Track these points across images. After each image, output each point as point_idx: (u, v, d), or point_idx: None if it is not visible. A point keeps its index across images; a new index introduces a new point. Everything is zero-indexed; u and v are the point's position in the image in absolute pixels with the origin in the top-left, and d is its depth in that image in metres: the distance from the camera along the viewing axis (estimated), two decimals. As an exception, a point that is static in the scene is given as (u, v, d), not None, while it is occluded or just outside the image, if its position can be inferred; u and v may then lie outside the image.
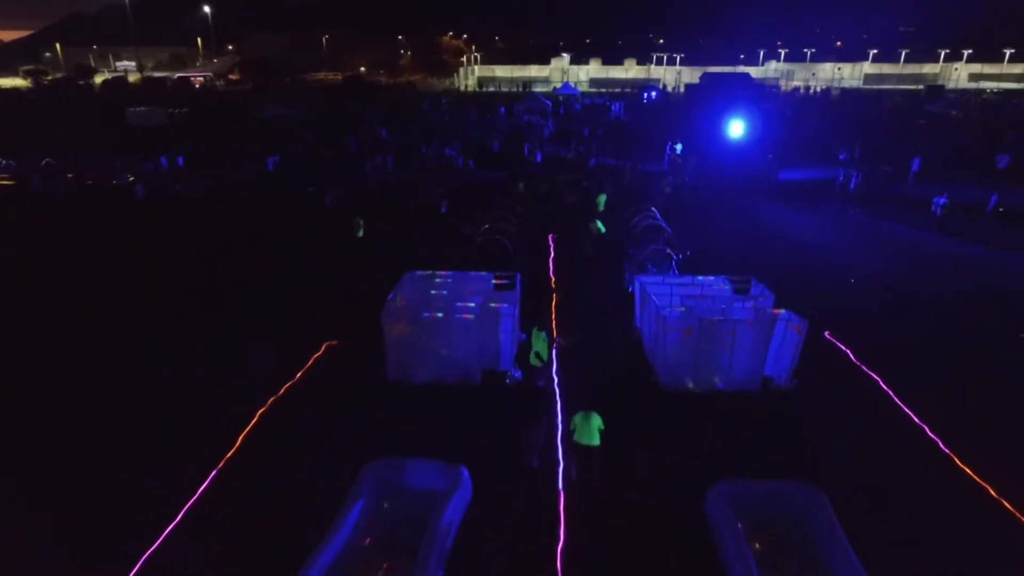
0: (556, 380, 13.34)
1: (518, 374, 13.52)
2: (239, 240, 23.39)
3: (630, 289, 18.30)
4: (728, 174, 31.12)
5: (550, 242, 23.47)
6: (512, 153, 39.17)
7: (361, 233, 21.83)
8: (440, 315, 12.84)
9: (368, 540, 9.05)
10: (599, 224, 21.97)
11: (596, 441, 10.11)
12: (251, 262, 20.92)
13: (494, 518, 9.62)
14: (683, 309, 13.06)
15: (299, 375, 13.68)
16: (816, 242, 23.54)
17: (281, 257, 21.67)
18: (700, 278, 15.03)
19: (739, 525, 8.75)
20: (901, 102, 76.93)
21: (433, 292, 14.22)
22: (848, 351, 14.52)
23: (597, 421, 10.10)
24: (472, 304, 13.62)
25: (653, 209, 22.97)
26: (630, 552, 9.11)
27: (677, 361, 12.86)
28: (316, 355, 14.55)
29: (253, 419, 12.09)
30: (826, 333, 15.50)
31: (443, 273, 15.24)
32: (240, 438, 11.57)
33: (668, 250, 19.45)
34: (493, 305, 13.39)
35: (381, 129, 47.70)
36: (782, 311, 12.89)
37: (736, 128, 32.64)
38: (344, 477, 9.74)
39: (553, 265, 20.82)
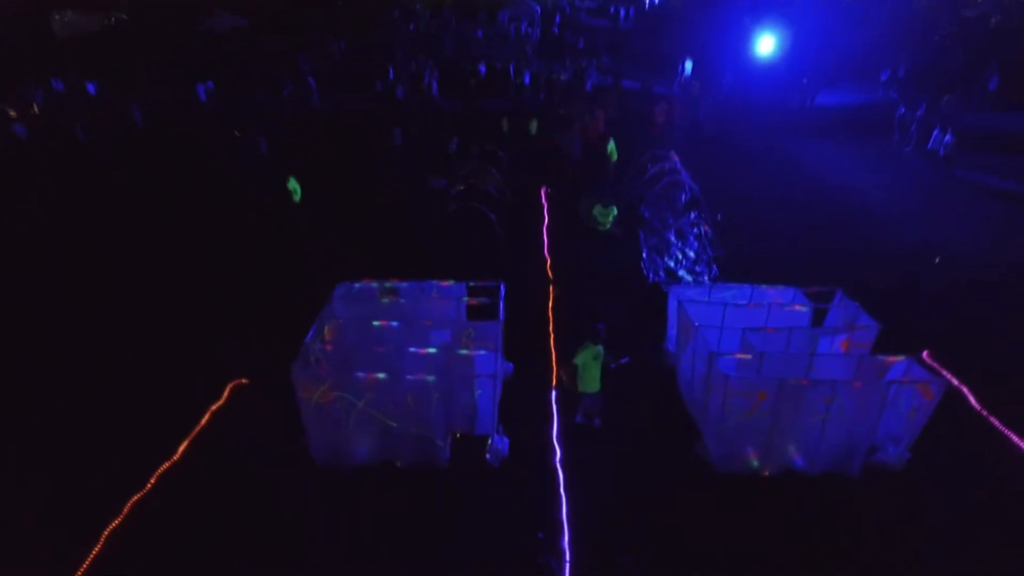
0: (558, 455, 9.12)
1: (503, 444, 9.24)
2: (127, 213, 18.18)
3: (651, 277, 13.84)
4: (754, 105, 25.82)
5: (543, 200, 18.67)
6: (496, 75, 33.06)
7: (298, 197, 16.75)
8: (382, 375, 8.35)
9: None
10: (605, 212, 16.32)
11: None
12: (136, 246, 15.97)
13: None
14: (749, 358, 8.65)
15: (179, 452, 9.30)
16: (879, 199, 18.78)
17: (181, 236, 16.63)
18: (761, 288, 10.50)
19: None
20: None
21: (377, 323, 9.63)
22: (965, 389, 10.32)
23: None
24: (433, 348, 9.13)
25: (675, 158, 18.04)
26: None
27: (738, 431, 8.62)
28: (213, 407, 10.14)
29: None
30: (925, 354, 11.25)
31: (393, 283, 10.59)
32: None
33: (700, 228, 14.81)
34: (465, 352, 8.90)
35: (335, 43, 40.06)
36: (900, 359, 8.53)
37: (766, 44, 26.91)
38: None
39: (548, 238, 16.12)
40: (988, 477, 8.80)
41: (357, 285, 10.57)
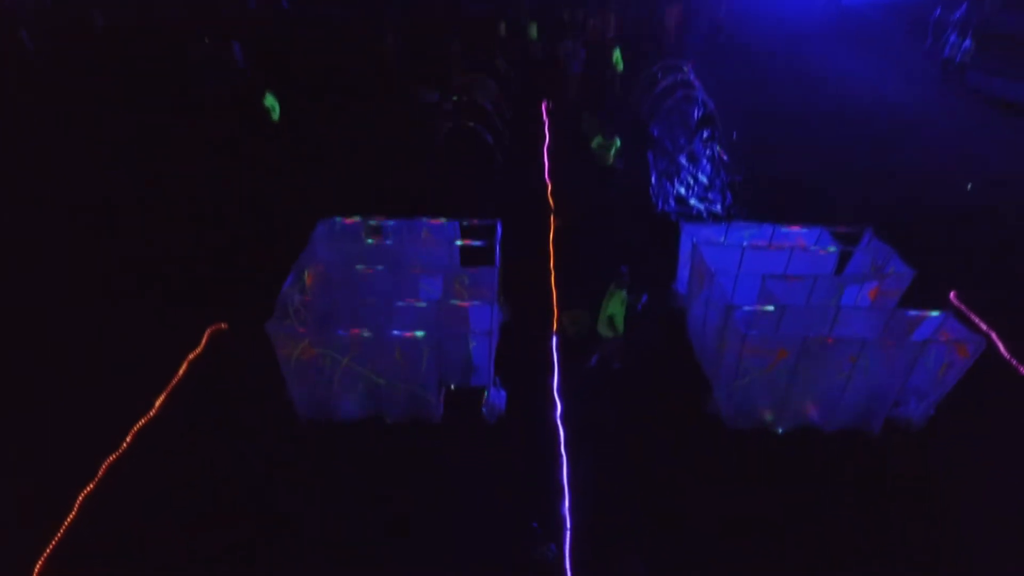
0: (559, 409, 8.56)
1: (500, 398, 8.66)
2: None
3: (660, 206, 12.85)
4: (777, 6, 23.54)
5: (544, 115, 17.27)
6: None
7: (276, 116, 15.31)
8: (367, 333, 7.59)
9: None
10: (607, 145, 13.87)
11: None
12: (91, 178, 14.72)
13: None
14: (770, 310, 7.86)
15: (156, 406, 8.72)
16: (910, 115, 17.30)
17: (145, 163, 15.08)
18: (783, 228, 9.54)
19: None
20: None
21: (360, 267, 8.76)
22: (994, 335, 9.64)
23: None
24: (422, 300, 8.33)
25: (688, 69, 16.46)
26: None
27: (753, 387, 8.00)
28: (191, 355, 9.49)
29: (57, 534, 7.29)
30: (952, 295, 10.51)
31: (379, 221, 9.63)
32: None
33: (714, 150, 13.62)
34: (457, 302, 8.10)
35: None
36: (936, 314, 7.76)
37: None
38: None
39: (549, 160, 14.92)
40: (1017, 433, 8.29)
41: (340, 221, 9.62)
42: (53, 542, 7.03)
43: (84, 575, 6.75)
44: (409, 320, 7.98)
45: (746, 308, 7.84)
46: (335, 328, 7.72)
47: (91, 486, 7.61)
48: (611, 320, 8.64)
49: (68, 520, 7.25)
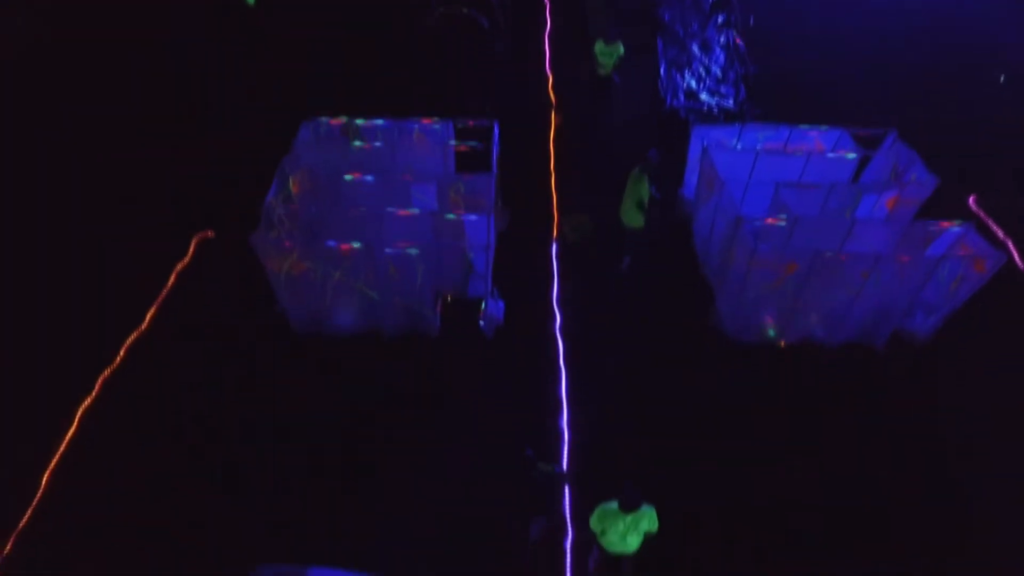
0: (558, 321, 8.39)
1: (498, 309, 8.47)
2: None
3: (668, 100, 12.03)
4: None
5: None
6: None
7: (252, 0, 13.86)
8: (357, 245, 7.23)
9: None
10: (608, 52, 11.51)
11: (634, 548, 5.70)
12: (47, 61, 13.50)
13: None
14: (783, 222, 7.44)
15: (147, 320, 8.52)
16: (947, 8, 15.74)
17: (110, 54, 13.53)
18: (801, 129, 8.89)
19: None
20: None
21: (349, 177, 8.21)
22: (1010, 243, 9.29)
23: (644, 523, 5.52)
24: (415, 207, 7.89)
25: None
26: None
27: (758, 301, 7.79)
28: (179, 266, 9.17)
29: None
30: (971, 199, 10.06)
31: (368, 122, 8.95)
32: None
33: (730, 37, 12.53)
34: (452, 216, 7.67)
35: None
36: (955, 226, 7.36)
37: None
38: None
39: (550, 48, 13.77)
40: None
41: (325, 122, 8.96)
42: (57, 455, 7.09)
43: (88, 486, 6.85)
44: (402, 231, 7.59)
45: (757, 221, 7.42)
46: (324, 241, 7.34)
47: (89, 400, 7.59)
48: (639, 205, 8.32)
49: (70, 433, 7.28)
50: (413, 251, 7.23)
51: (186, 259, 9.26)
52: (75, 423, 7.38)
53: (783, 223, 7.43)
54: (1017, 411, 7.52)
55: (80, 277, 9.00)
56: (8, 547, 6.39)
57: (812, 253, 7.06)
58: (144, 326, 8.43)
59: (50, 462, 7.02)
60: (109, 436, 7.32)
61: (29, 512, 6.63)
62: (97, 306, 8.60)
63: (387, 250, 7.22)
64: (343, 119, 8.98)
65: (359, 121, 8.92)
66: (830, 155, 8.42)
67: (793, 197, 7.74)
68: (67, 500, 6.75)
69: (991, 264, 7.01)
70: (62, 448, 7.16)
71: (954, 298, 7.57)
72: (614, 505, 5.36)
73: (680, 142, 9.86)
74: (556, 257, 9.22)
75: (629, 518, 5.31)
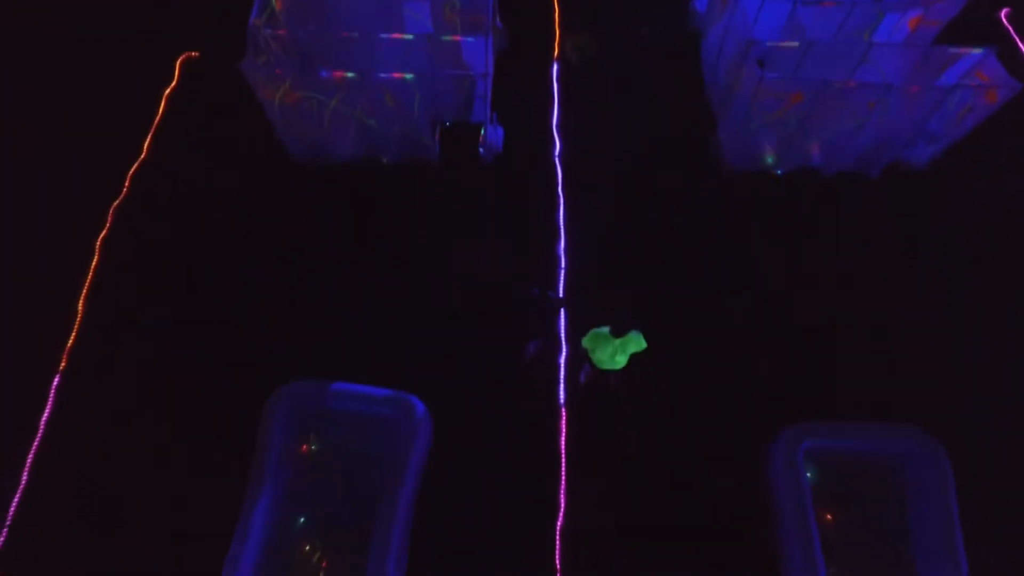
0: (558, 148, 8.38)
1: (497, 136, 8.41)
2: None
3: None
4: None
5: None
6: None
7: None
8: (351, 75, 6.96)
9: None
10: None
11: (621, 365, 6.37)
12: None
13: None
14: (795, 46, 7.04)
15: (145, 148, 8.46)
16: None
17: None
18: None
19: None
20: None
21: (334, -5, 7.57)
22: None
23: (632, 346, 6.09)
24: (409, 31, 7.43)
25: None
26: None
27: (760, 131, 7.72)
28: (167, 90, 8.88)
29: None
30: (1004, 12, 9.40)
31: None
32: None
33: None
34: (448, 38, 7.25)
35: None
36: (975, 52, 7.01)
37: None
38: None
39: None
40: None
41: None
42: (87, 284, 7.58)
43: (116, 310, 7.44)
44: (396, 55, 7.26)
45: (768, 45, 7.06)
46: (317, 69, 7.07)
47: (104, 232, 7.89)
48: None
49: (94, 264, 7.70)
50: (409, 76, 7.00)
51: (174, 83, 8.94)
52: (96, 254, 7.76)
53: (796, 46, 7.07)
54: (1007, 240, 7.88)
55: (70, 107, 8.78)
56: (63, 363, 7.14)
57: (820, 83, 6.83)
58: (143, 156, 8.43)
59: (81, 290, 7.53)
60: (125, 266, 7.74)
61: (72, 337, 7.28)
62: (95, 137, 8.49)
63: (381, 76, 6.98)
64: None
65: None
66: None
67: (810, 19, 7.25)
68: (98, 323, 7.37)
69: (1003, 94, 6.83)
70: (89, 278, 7.62)
71: (959, 127, 7.48)
72: (605, 330, 5.91)
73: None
74: (556, 79, 8.89)
75: (618, 341, 5.88)
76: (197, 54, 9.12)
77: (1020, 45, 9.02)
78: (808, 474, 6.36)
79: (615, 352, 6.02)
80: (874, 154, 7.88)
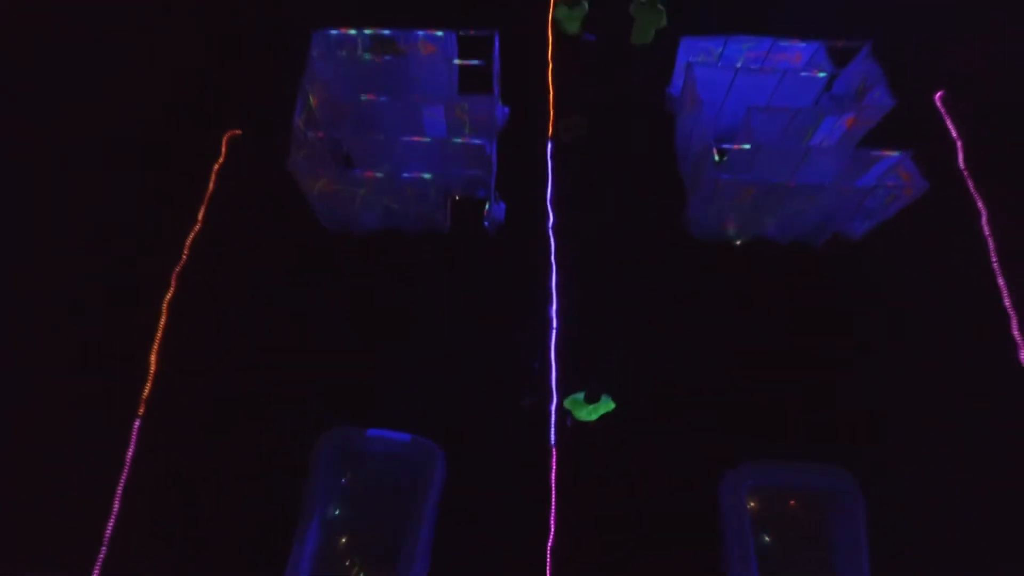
0: (551, 221, 9.84)
1: (499, 211, 9.88)
2: None
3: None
4: None
5: None
6: None
7: None
8: (380, 174, 8.46)
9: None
10: (572, 16, 11.03)
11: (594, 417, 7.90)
12: None
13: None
14: (747, 148, 8.50)
15: (200, 218, 9.96)
16: None
17: None
18: (781, 43, 9.39)
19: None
20: None
21: (364, 97, 8.97)
22: (960, 144, 10.36)
23: (602, 409, 7.66)
24: (427, 134, 8.91)
25: None
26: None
27: (722, 212, 9.19)
28: (216, 165, 10.35)
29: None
30: (938, 96, 10.83)
31: (376, 32, 9.40)
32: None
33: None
34: (461, 140, 8.72)
35: None
36: (893, 155, 8.44)
37: None
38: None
39: None
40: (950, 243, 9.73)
41: (335, 33, 9.47)
42: (157, 340, 9.10)
43: (183, 363, 9.01)
44: (416, 155, 8.76)
45: (726, 147, 8.56)
46: (351, 170, 8.56)
47: (170, 294, 9.40)
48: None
49: (162, 323, 9.22)
50: (427, 176, 8.49)
51: (221, 159, 10.40)
52: (164, 315, 9.27)
53: (749, 148, 8.52)
54: (937, 304, 9.42)
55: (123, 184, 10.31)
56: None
57: (767, 185, 8.34)
58: (198, 226, 9.89)
59: (153, 342, 9.07)
60: (188, 324, 9.27)
61: (148, 387, 8.83)
62: (152, 208, 10.01)
63: (404, 175, 8.47)
64: (352, 31, 9.43)
65: (385, 32, 9.35)
66: (803, 74, 9.15)
67: (760, 123, 8.69)
68: (168, 375, 8.94)
69: (916, 192, 8.31)
70: (158, 335, 9.14)
71: (887, 210, 8.94)
72: (580, 396, 7.44)
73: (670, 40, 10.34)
74: (551, 157, 10.32)
75: (591, 407, 7.42)
76: (240, 132, 10.56)
77: (951, 128, 10.46)
78: (751, 504, 7.92)
79: (588, 415, 7.56)
80: (818, 229, 9.36)
